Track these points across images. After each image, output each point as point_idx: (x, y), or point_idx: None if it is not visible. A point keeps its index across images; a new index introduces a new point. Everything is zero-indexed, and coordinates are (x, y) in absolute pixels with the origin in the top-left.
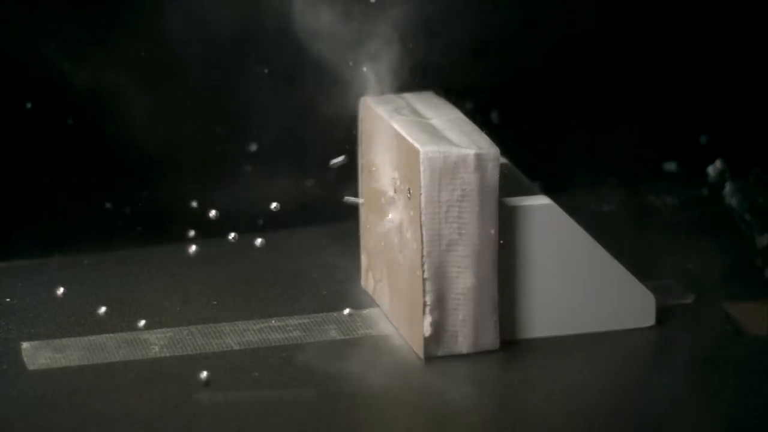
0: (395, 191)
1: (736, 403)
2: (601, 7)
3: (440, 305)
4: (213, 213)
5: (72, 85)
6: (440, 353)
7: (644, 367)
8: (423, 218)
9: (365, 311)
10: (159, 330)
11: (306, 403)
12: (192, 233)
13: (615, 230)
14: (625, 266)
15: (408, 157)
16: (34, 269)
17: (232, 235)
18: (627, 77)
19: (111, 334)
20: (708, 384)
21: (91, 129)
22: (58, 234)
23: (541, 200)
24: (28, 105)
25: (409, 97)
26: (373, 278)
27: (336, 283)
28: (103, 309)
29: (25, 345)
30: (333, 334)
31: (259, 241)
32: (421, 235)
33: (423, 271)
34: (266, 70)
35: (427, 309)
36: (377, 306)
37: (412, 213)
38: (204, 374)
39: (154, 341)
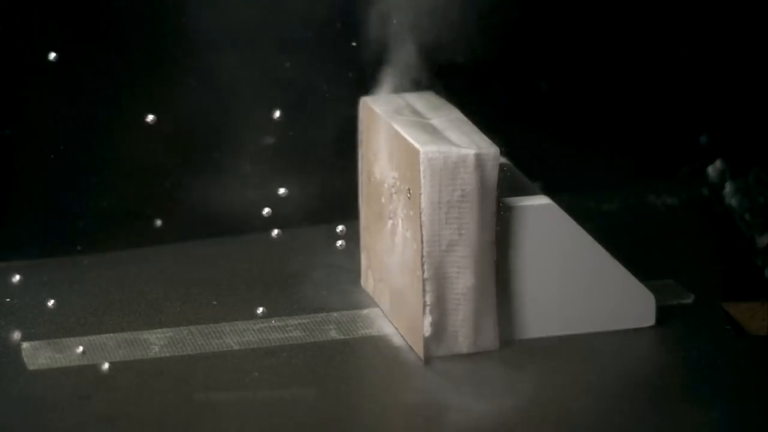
0: (395, 191)
1: (736, 403)
2: (601, 7)
3: (440, 305)
4: (266, 210)
5: (72, 85)
6: (440, 353)
7: (644, 367)
8: (423, 218)
9: (365, 311)
10: (159, 330)
11: (306, 403)
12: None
13: (615, 230)
14: (625, 266)
15: (408, 157)
16: (34, 269)
17: (275, 232)
18: (627, 77)
19: (111, 334)
20: (708, 384)
21: (91, 129)
22: (58, 234)
23: (541, 200)
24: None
25: (409, 97)
26: (373, 278)
27: (336, 283)
28: (80, 348)
29: (25, 345)
30: (333, 334)
31: (276, 232)
32: (421, 235)
33: (423, 271)
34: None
35: (427, 309)
36: (377, 306)
37: (412, 213)
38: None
39: (154, 341)
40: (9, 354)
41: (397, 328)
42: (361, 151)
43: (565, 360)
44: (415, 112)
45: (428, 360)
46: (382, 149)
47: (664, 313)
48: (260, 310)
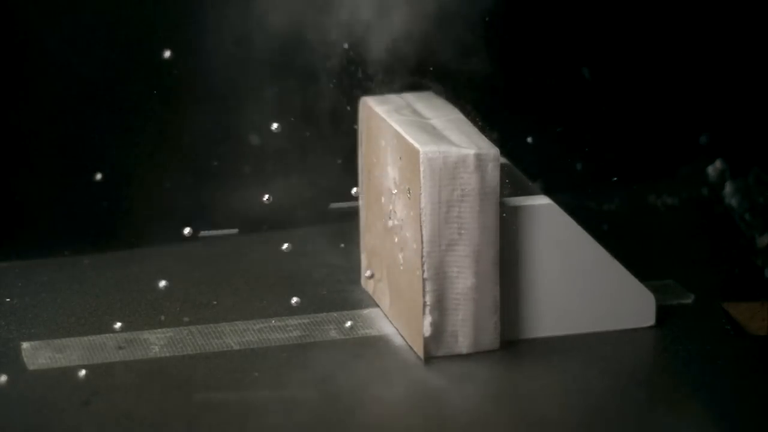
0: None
1: (736, 403)
2: (601, 6)
3: (440, 305)
4: (266, 197)
5: (72, 85)
6: (440, 353)
7: (644, 367)
8: (423, 218)
9: (365, 311)
10: (159, 330)
11: (306, 403)
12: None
13: (615, 230)
14: (625, 266)
15: (408, 157)
16: (34, 269)
17: (285, 246)
18: (627, 77)
19: (111, 334)
20: (708, 384)
21: (91, 129)
22: (58, 234)
23: (541, 200)
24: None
25: (409, 97)
26: (373, 278)
27: (336, 283)
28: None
29: (25, 345)
30: (333, 334)
31: (285, 246)
32: (421, 235)
33: (423, 271)
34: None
35: (427, 309)
36: (377, 306)
37: (412, 213)
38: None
39: (154, 341)
40: (9, 354)
41: (397, 328)
42: (361, 151)
43: (565, 360)
44: (415, 112)
45: (428, 360)
46: (382, 149)
47: (664, 313)
48: (294, 300)
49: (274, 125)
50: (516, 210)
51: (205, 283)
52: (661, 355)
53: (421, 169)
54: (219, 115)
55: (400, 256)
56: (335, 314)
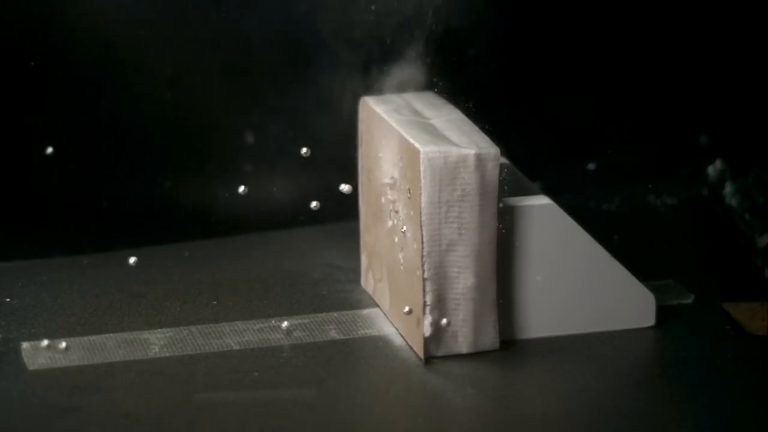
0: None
1: (736, 403)
2: (601, 6)
3: (440, 305)
4: (314, 204)
5: (72, 85)
6: (440, 353)
7: (644, 367)
8: (423, 218)
9: (365, 311)
10: (159, 330)
11: (306, 403)
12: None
13: (615, 230)
14: (625, 266)
15: (408, 157)
16: (34, 269)
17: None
18: (627, 77)
19: (111, 334)
20: (708, 384)
21: (91, 129)
22: (58, 234)
23: (541, 200)
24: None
25: (409, 97)
26: (373, 278)
27: (336, 283)
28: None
29: (25, 345)
30: (333, 334)
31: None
32: (421, 235)
33: (423, 271)
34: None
35: (427, 309)
36: (377, 306)
37: (412, 213)
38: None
39: (154, 341)
40: (9, 354)
41: (397, 328)
42: (361, 151)
43: (565, 360)
44: (415, 112)
45: (428, 360)
46: (382, 149)
47: (664, 313)
48: (314, 204)
49: (304, 149)
50: (516, 210)
51: (205, 283)
52: (661, 355)
53: (422, 169)
54: (219, 114)
55: (400, 256)
56: (335, 314)
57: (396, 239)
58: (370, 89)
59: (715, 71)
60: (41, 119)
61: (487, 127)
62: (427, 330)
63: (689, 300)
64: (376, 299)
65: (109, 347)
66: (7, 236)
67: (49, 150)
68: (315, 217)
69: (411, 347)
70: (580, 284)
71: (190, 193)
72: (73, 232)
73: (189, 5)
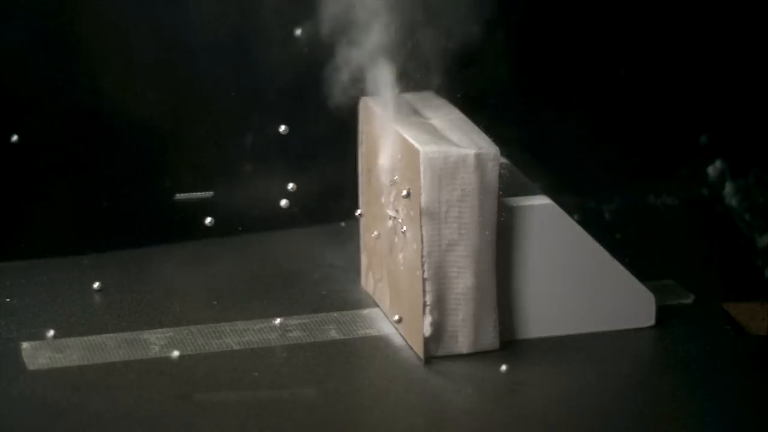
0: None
1: (736, 403)
2: (601, 7)
3: (440, 305)
4: (283, 202)
5: (71, 85)
6: (440, 353)
7: (644, 367)
8: (423, 218)
9: (365, 311)
10: (159, 330)
11: (306, 403)
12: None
13: (615, 230)
14: (625, 266)
15: (408, 157)
16: (34, 269)
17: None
18: (627, 77)
19: (111, 334)
20: (708, 384)
21: (91, 129)
22: (58, 234)
23: (541, 200)
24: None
25: (409, 97)
26: (373, 278)
27: (336, 283)
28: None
29: (25, 345)
30: (333, 334)
31: (283, 127)
32: (421, 235)
33: (423, 271)
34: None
35: (427, 309)
36: (377, 306)
37: (412, 213)
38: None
39: (154, 341)
40: (9, 354)
41: (397, 328)
42: (361, 151)
43: (565, 360)
44: (415, 112)
45: (428, 360)
46: (382, 149)
47: (664, 313)
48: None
49: (282, 127)
50: (516, 210)
51: (205, 283)
52: (661, 355)
53: (422, 169)
54: (218, 114)
55: (400, 256)
56: (335, 314)
57: (396, 239)
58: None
59: (715, 71)
60: (41, 119)
61: (486, 127)
62: (427, 330)
63: (689, 300)
64: (376, 299)
65: (109, 347)
66: (7, 236)
67: (14, 138)
68: (315, 218)
69: (411, 347)
70: (580, 284)
71: (190, 192)
72: (73, 232)
73: (189, 5)
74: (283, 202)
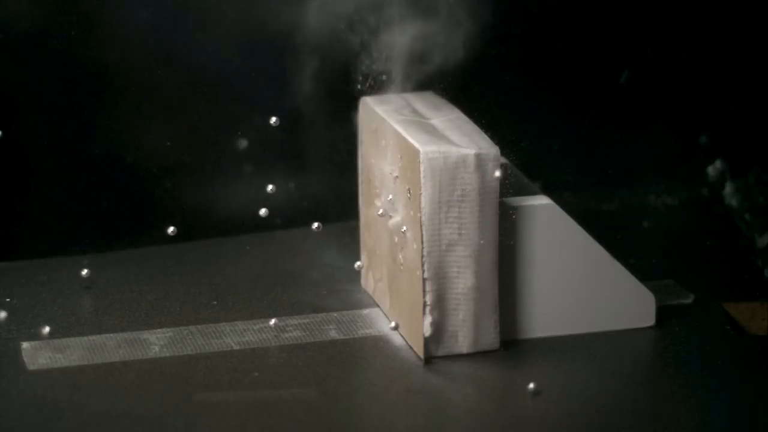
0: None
1: (736, 403)
2: (602, 6)
3: (440, 305)
4: (263, 211)
5: (70, 85)
6: (440, 353)
7: (644, 367)
8: (423, 218)
9: (365, 311)
10: (159, 330)
11: (306, 403)
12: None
13: (615, 230)
14: (625, 266)
15: (408, 157)
16: (34, 269)
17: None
18: (627, 77)
19: (111, 334)
20: (708, 384)
21: (91, 129)
22: (58, 234)
23: (541, 200)
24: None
25: (409, 97)
26: (373, 278)
27: (336, 283)
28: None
29: (25, 345)
30: (333, 334)
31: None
32: (421, 235)
33: (423, 271)
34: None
35: (427, 309)
36: (377, 306)
37: (412, 213)
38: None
39: (154, 341)
40: (9, 354)
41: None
42: (361, 151)
43: (565, 360)
44: (415, 112)
45: (428, 360)
46: (382, 149)
47: (664, 313)
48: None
49: (273, 119)
50: (516, 210)
51: (205, 283)
52: (661, 355)
53: (422, 169)
54: (218, 114)
55: (400, 256)
56: (335, 314)
57: (396, 239)
58: (370, 90)
59: (715, 71)
60: (41, 119)
61: (486, 127)
62: (427, 330)
63: (689, 300)
64: (376, 299)
65: (109, 347)
66: (7, 236)
67: None
68: (315, 217)
69: (411, 347)
70: (580, 284)
71: (190, 193)
72: (73, 232)
73: (189, 5)
74: (263, 212)
